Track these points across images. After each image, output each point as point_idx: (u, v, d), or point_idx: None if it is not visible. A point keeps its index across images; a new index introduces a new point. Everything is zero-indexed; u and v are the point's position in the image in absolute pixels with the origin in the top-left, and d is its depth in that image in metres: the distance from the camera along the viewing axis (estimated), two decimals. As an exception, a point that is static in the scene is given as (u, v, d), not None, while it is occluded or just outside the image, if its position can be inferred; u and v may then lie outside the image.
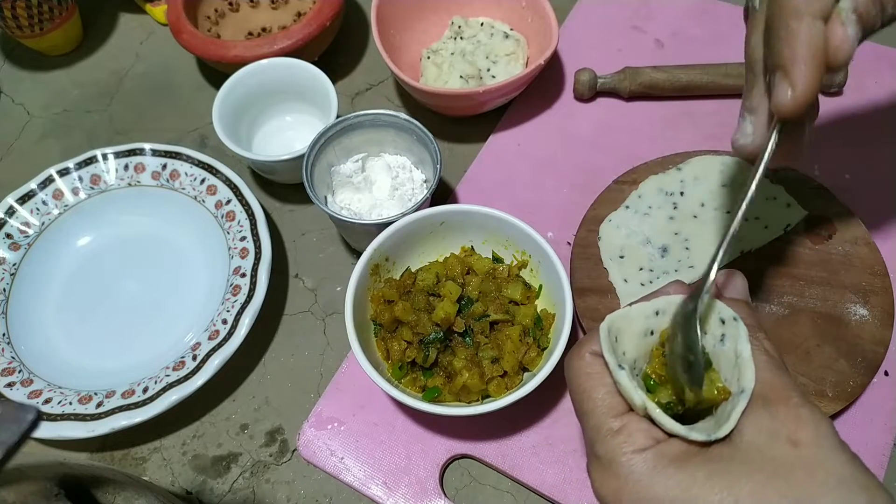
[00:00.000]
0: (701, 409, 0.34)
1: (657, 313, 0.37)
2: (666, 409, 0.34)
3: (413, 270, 0.54)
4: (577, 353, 0.36)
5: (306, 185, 0.55)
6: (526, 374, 0.51)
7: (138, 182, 0.64)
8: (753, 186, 0.36)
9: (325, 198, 0.60)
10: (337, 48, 0.75)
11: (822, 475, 0.29)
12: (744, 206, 0.36)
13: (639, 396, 0.33)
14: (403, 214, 0.53)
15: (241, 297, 0.56)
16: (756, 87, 0.37)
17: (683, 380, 0.34)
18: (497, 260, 0.55)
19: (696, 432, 0.32)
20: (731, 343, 0.34)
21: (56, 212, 0.63)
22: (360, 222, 0.54)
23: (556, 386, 0.54)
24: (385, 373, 0.50)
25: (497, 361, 0.49)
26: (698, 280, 0.36)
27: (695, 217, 0.57)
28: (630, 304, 0.37)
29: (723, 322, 0.35)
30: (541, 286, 0.54)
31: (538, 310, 0.53)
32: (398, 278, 0.54)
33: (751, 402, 0.32)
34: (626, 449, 0.32)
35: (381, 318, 0.52)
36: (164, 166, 0.63)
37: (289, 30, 0.66)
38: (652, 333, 0.37)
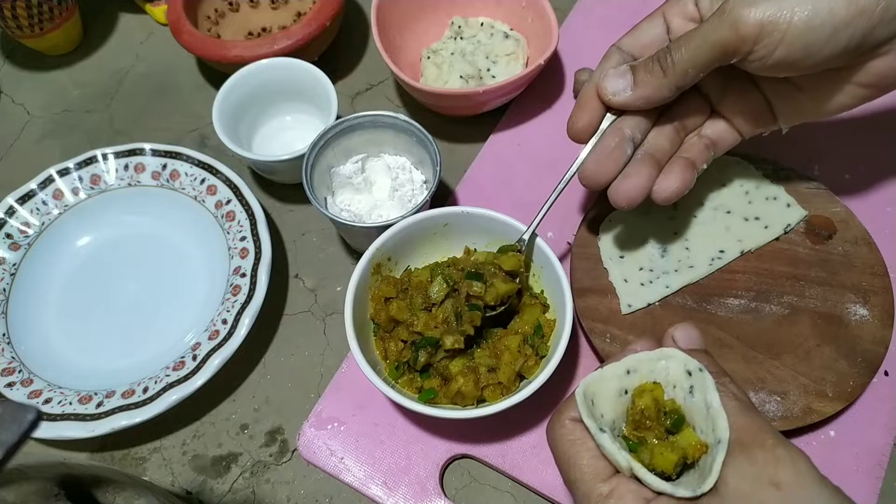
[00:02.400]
0: (684, 465, 0.35)
1: (628, 372, 0.38)
2: (650, 468, 0.34)
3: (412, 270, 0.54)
4: (557, 421, 0.37)
5: (306, 187, 0.55)
6: (523, 381, 0.50)
7: (138, 182, 0.64)
8: (561, 183, 0.50)
9: (325, 199, 0.60)
10: (337, 48, 0.75)
11: None
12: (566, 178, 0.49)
13: (623, 458, 0.34)
14: (403, 217, 0.53)
15: (241, 297, 0.56)
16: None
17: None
18: None
19: (683, 488, 0.33)
20: (700, 394, 0.35)
21: (56, 212, 0.63)
22: (361, 225, 0.54)
23: (556, 386, 0.54)
24: (382, 373, 0.50)
25: (493, 371, 0.49)
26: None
27: (695, 217, 0.57)
28: (601, 367, 0.38)
29: (689, 374, 0.36)
30: (542, 291, 0.54)
31: (538, 316, 0.52)
32: (399, 277, 0.54)
33: (729, 450, 0.33)
34: None
35: (378, 318, 0.52)
36: (164, 166, 0.63)
37: (289, 30, 0.66)
38: (626, 392, 0.38)
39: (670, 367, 0.37)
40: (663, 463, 0.34)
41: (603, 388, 0.37)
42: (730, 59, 0.42)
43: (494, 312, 0.50)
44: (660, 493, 0.33)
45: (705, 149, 0.50)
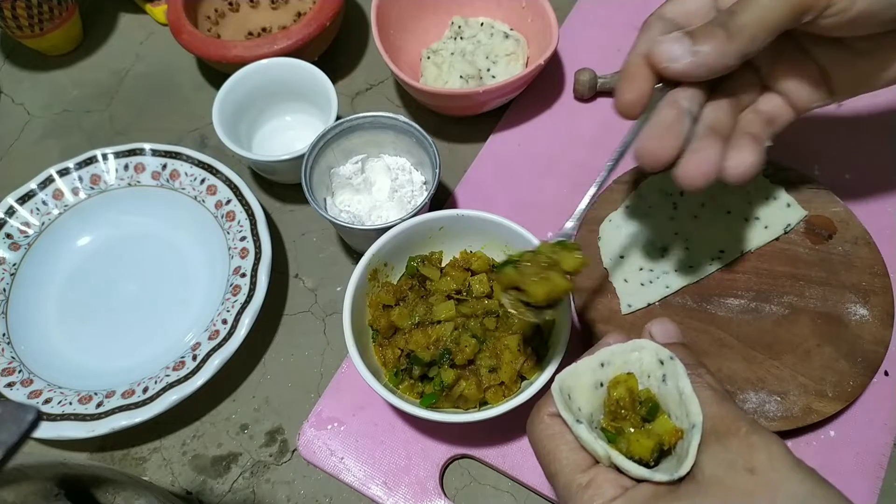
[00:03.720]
0: (661, 451, 0.36)
1: (602, 365, 0.38)
2: (629, 456, 0.35)
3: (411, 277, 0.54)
4: (535, 417, 0.38)
5: (305, 189, 0.55)
6: (524, 382, 0.50)
7: (138, 182, 0.64)
8: (614, 157, 0.45)
9: (325, 200, 0.60)
10: (337, 48, 0.75)
11: (782, 497, 0.30)
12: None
13: (601, 446, 0.34)
14: (402, 220, 0.53)
15: (241, 297, 0.56)
16: None
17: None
18: (496, 267, 0.55)
19: (660, 473, 0.33)
20: (672, 381, 0.36)
21: (56, 212, 0.63)
22: (360, 228, 0.54)
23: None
24: (383, 378, 0.50)
25: (495, 371, 0.49)
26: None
27: (695, 217, 0.57)
28: (575, 362, 0.39)
29: (662, 363, 0.37)
30: None
31: None
32: (396, 283, 0.54)
33: (705, 438, 0.33)
34: (597, 502, 0.33)
35: (377, 324, 0.51)
36: (164, 166, 0.63)
37: (289, 30, 0.66)
38: (602, 385, 0.38)
39: (643, 358, 0.38)
40: (640, 450, 0.35)
41: (578, 381, 0.38)
42: (804, 17, 0.38)
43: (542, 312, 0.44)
44: (639, 481, 0.34)
45: (765, 125, 0.45)
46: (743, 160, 0.42)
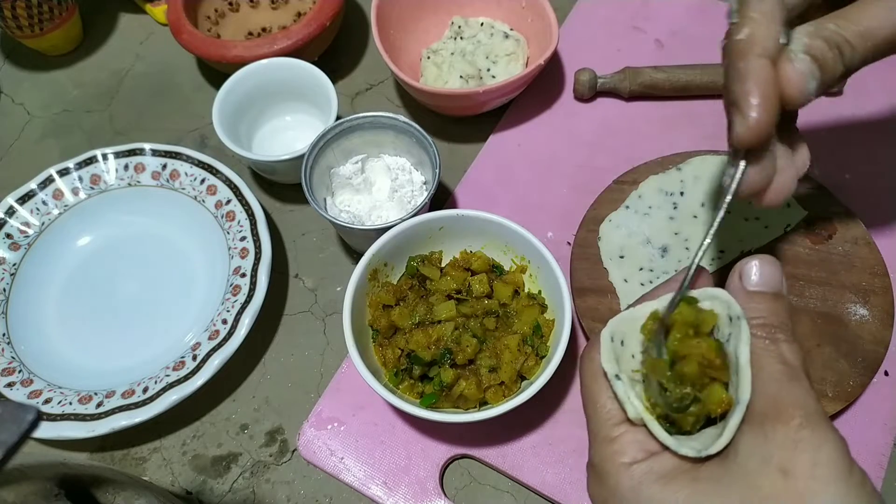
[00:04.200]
0: (710, 418, 0.32)
1: None
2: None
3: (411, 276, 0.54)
4: (588, 354, 0.35)
5: (306, 189, 0.55)
6: (524, 382, 0.50)
7: (138, 182, 0.64)
8: (720, 213, 0.35)
9: (325, 200, 0.60)
10: (337, 48, 0.75)
11: None
12: (711, 231, 0.36)
13: (632, 407, 0.32)
14: (402, 220, 0.53)
15: (241, 297, 0.56)
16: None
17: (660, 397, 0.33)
18: (496, 267, 0.55)
19: (687, 447, 0.30)
20: (734, 344, 0.31)
21: (56, 212, 0.63)
22: (360, 227, 0.54)
23: (556, 387, 0.54)
24: (383, 378, 0.50)
25: (495, 371, 0.49)
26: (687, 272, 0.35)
27: (695, 217, 0.57)
28: (633, 305, 0.36)
29: (731, 320, 0.32)
30: (539, 291, 0.53)
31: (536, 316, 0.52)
32: (396, 283, 0.54)
33: (752, 418, 0.29)
34: (616, 460, 0.32)
35: (377, 324, 0.51)
36: (164, 166, 0.63)
37: (289, 30, 0.66)
38: None
39: (716, 309, 0.33)
40: (679, 419, 0.32)
41: (634, 327, 0.35)
42: None
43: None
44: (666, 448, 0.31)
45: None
46: (804, 162, 0.39)
